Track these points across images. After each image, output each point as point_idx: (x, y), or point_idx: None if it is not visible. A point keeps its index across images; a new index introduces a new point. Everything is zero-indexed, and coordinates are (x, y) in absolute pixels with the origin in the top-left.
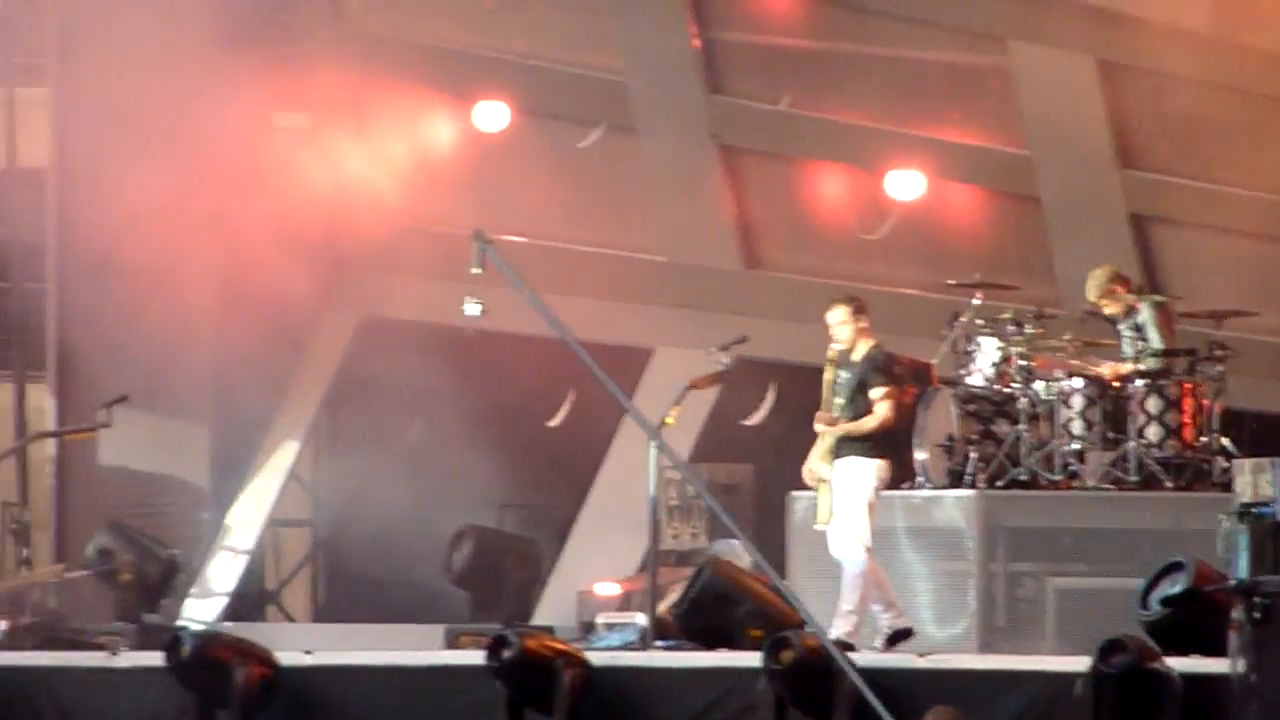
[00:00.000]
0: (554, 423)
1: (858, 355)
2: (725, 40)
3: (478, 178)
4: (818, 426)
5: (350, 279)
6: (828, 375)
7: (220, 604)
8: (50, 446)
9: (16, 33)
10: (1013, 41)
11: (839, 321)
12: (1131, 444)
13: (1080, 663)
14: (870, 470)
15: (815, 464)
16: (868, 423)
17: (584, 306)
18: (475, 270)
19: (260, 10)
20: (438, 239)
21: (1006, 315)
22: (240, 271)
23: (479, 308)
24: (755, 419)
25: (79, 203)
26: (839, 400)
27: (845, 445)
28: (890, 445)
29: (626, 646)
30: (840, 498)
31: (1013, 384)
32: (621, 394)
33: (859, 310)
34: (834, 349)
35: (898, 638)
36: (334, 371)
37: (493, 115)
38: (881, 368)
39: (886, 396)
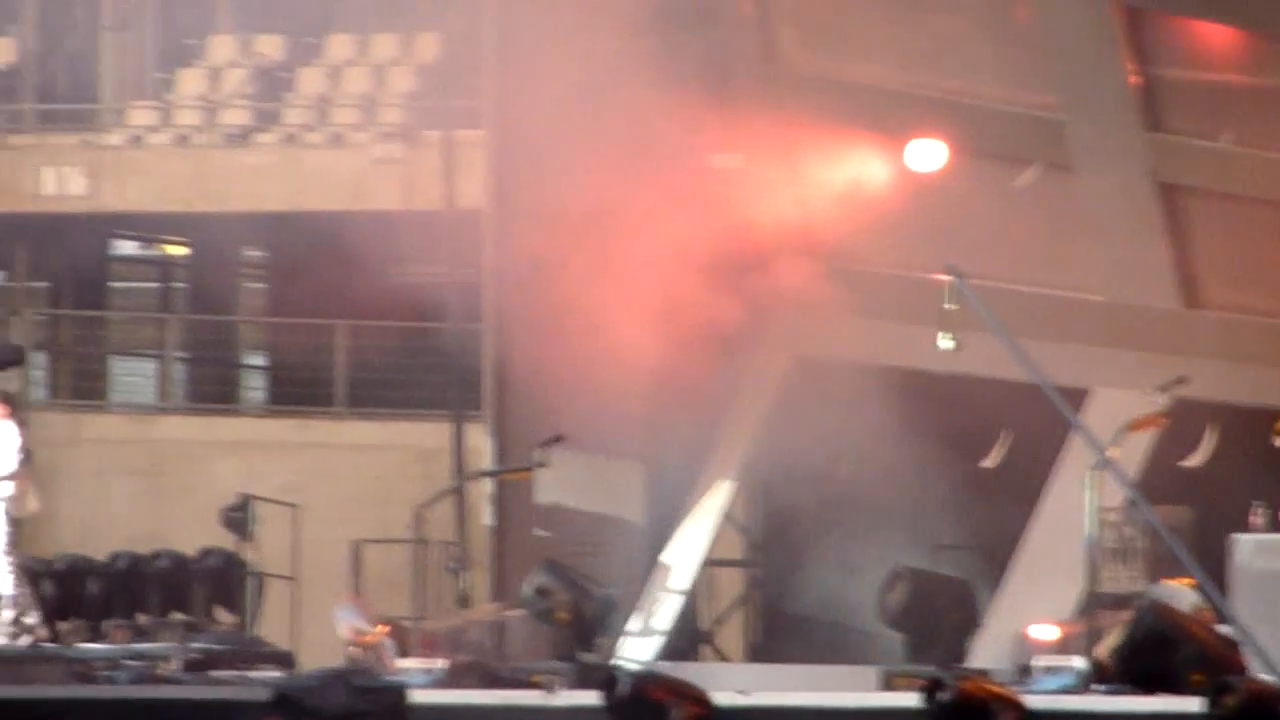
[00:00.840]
0: (988, 463)
1: None
2: (1164, 76)
3: (911, 217)
4: None
5: (783, 318)
6: None
7: (656, 643)
8: (487, 486)
9: (454, 76)
10: None
11: None
12: None
13: None
14: None
15: None
16: None
17: (1023, 347)
18: (949, 306)
19: (694, 52)
20: (870, 278)
21: None
22: (675, 311)
23: (952, 342)
24: (1194, 460)
25: (515, 244)
26: None
27: None
28: None
29: (1065, 690)
30: None
31: None
32: (1086, 429)
33: None
34: None
35: None
36: (767, 411)
37: (927, 154)
38: None
39: None
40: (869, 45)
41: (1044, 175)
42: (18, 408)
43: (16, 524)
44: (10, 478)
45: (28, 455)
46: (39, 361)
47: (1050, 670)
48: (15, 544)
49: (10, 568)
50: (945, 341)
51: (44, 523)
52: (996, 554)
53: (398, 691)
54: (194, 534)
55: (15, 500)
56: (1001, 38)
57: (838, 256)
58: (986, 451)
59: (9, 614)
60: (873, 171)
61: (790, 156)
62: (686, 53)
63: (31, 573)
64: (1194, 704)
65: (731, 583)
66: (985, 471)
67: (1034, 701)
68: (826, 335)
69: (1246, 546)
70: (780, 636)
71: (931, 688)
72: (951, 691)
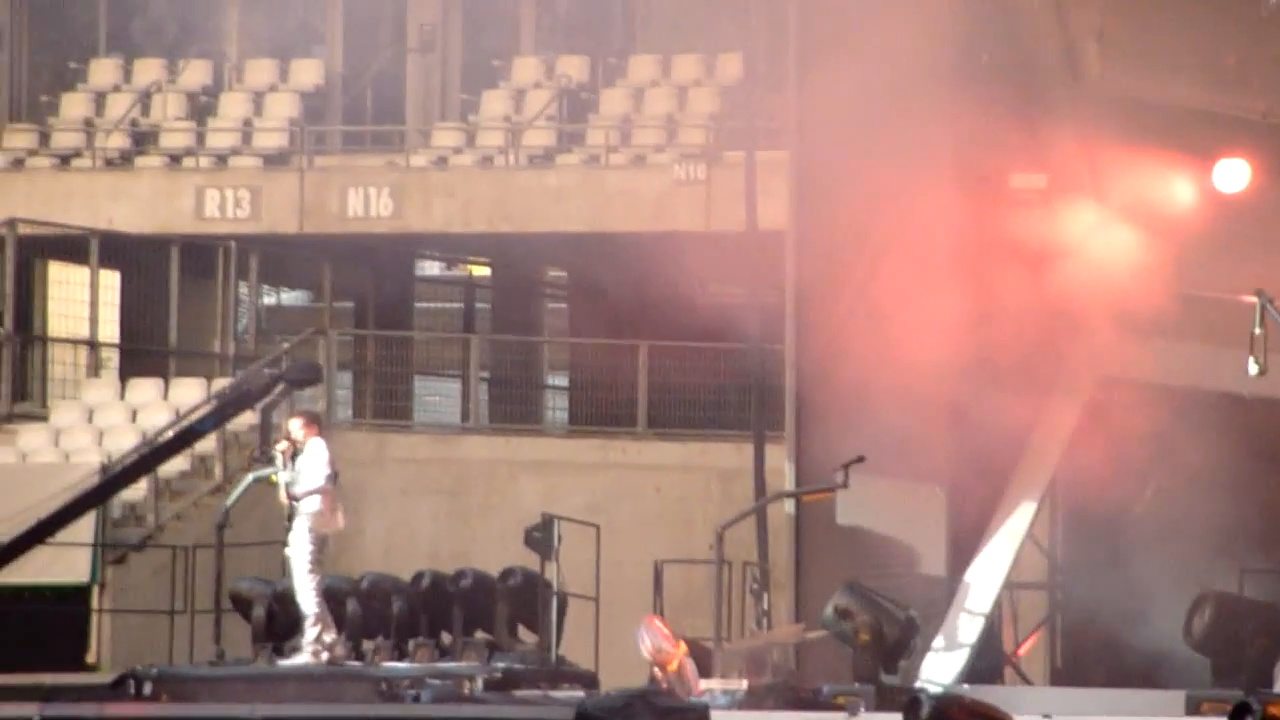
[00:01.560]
0: None
1: None
2: None
3: (1218, 238)
4: None
5: (1088, 339)
6: None
7: (958, 666)
8: (789, 506)
9: (756, 97)
10: None
11: None
12: None
13: None
14: None
15: None
16: None
17: None
18: (1257, 330)
19: (1000, 71)
20: (1178, 300)
21: None
22: (978, 332)
23: (1258, 367)
24: None
25: (817, 264)
26: None
27: None
28: None
29: None
30: None
31: None
32: None
33: None
34: None
35: None
36: (1069, 433)
37: (1234, 175)
38: None
39: None
40: (1175, 64)
41: None
42: (324, 427)
43: (321, 542)
44: (317, 493)
45: (335, 473)
46: (344, 381)
47: None
48: (319, 562)
49: (314, 586)
50: (1253, 366)
51: (350, 541)
52: None
53: (700, 712)
54: (497, 553)
55: (322, 517)
56: None
57: (1143, 277)
58: None
59: (312, 632)
60: (1179, 192)
61: (1094, 177)
62: (991, 72)
63: (337, 591)
64: None
65: (1035, 605)
66: None
67: None
68: (1132, 356)
69: None
70: (1083, 660)
71: (1238, 712)
72: (1259, 716)
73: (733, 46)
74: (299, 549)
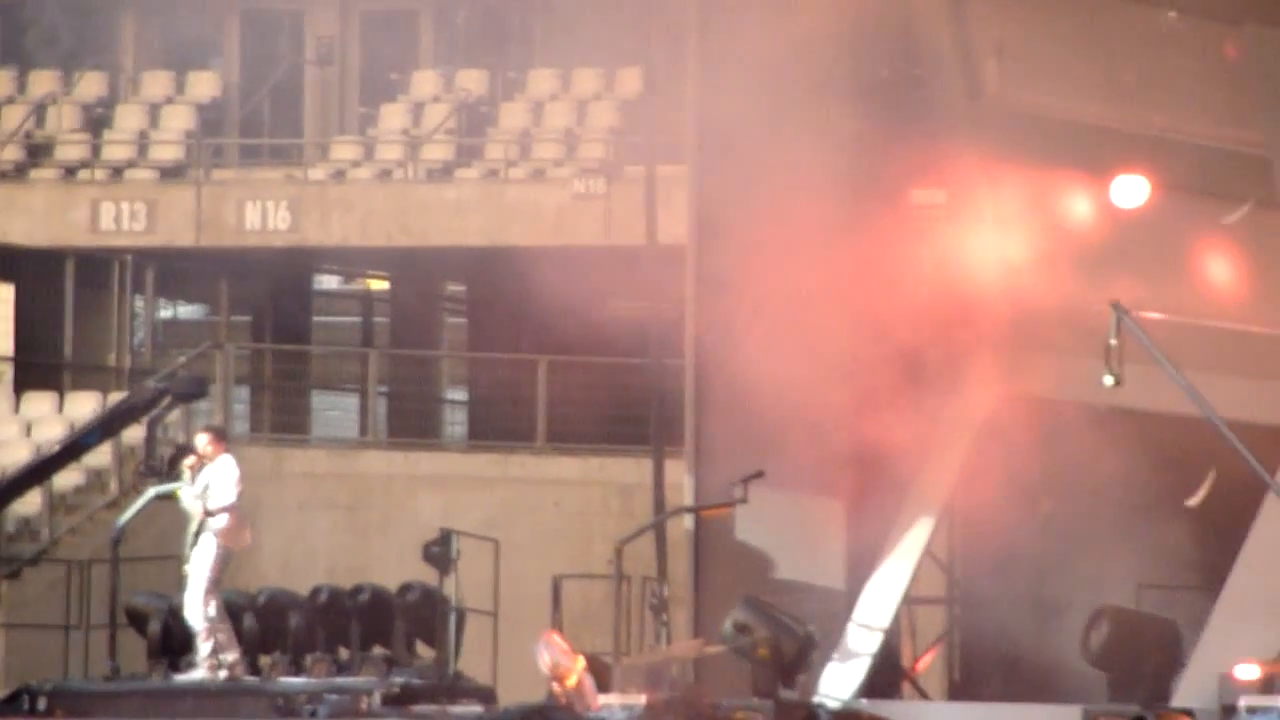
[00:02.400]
0: (1193, 502)
1: None
2: None
3: (1115, 254)
4: None
5: (987, 355)
6: None
7: (856, 680)
8: (688, 522)
9: (656, 111)
10: None
11: None
12: None
13: None
14: None
15: None
16: None
17: (1229, 384)
18: (1112, 341)
19: (900, 86)
20: (1074, 315)
21: None
22: (875, 347)
23: (1113, 379)
24: None
25: (717, 279)
26: None
27: None
28: None
29: None
30: None
31: None
32: (1263, 470)
33: None
34: None
35: None
36: (968, 446)
37: (1131, 190)
38: None
39: None
40: (1074, 81)
41: (1251, 212)
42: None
43: (227, 559)
44: (228, 510)
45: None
46: (241, 396)
47: (1255, 710)
48: (218, 580)
49: (212, 602)
50: (1108, 378)
51: (247, 556)
52: (1200, 594)
53: None
54: (395, 568)
55: (232, 533)
56: (1208, 73)
57: (1041, 294)
58: (1192, 490)
59: (205, 647)
60: (1077, 208)
61: (993, 192)
62: (891, 88)
63: (234, 606)
64: None
65: (933, 621)
66: (1190, 510)
67: None
68: (1029, 372)
69: None
70: (981, 674)
71: None
72: None
73: (632, 61)
74: (202, 565)
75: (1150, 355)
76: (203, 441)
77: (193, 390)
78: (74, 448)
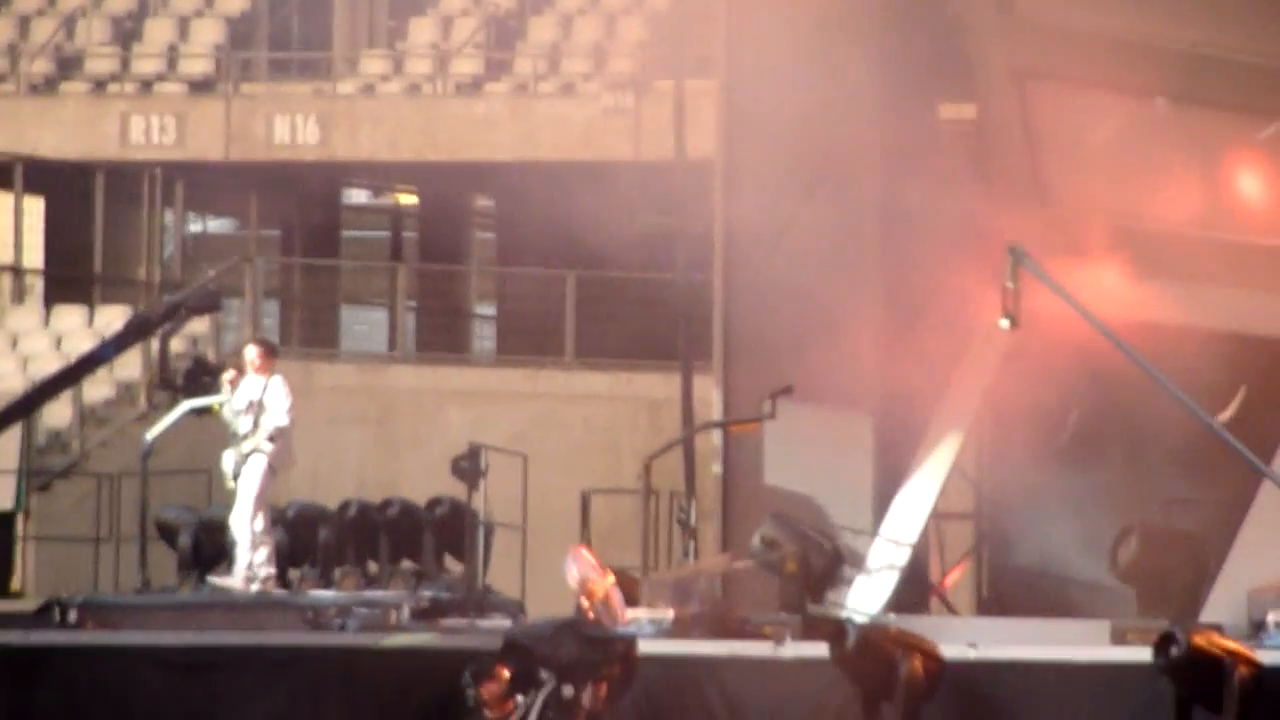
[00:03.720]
0: (1225, 416)
1: None
2: None
3: (1148, 169)
4: None
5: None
6: None
7: (884, 595)
8: (716, 437)
9: (685, 25)
10: None
11: None
12: None
13: None
14: None
15: None
16: None
17: (1255, 299)
18: (1009, 284)
19: (928, 2)
20: (1104, 230)
21: None
22: (905, 261)
23: (1008, 322)
24: None
25: (745, 194)
26: None
27: None
28: None
29: None
30: None
31: None
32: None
33: None
34: None
35: None
36: (998, 363)
37: (1164, 105)
38: None
39: None
40: None
41: None
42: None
43: (273, 476)
44: (283, 432)
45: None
46: (270, 310)
47: None
48: (264, 496)
49: (262, 518)
50: (1003, 321)
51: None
52: (1231, 509)
53: (627, 642)
54: (423, 482)
55: (281, 454)
56: None
57: (1070, 208)
58: (1223, 405)
59: (244, 558)
60: (1109, 123)
61: (1023, 107)
62: (918, 3)
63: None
64: None
65: (962, 536)
66: (1223, 425)
67: (1267, 657)
68: (1059, 287)
69: None
70: (1011, 591)
71: (1163, 643)
72: (1183, 646)
73: None
74: (251, 483)
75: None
76: (252, 354)
77: (207, 303)
78: (89, 360)
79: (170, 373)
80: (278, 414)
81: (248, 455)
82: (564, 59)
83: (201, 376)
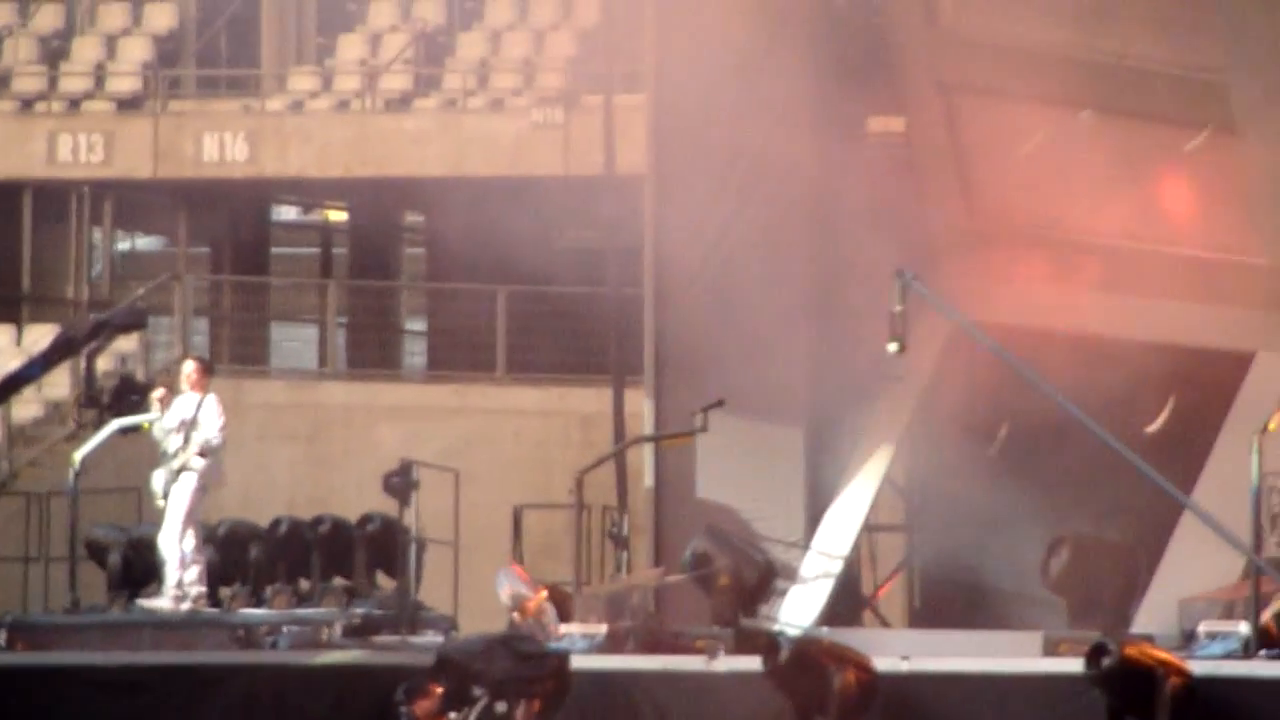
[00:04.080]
0: (1153, 428)
1: None
2: None
3: (1074, 181)
4: None
5: (943, 284)
6: None
7: (817, 608)
8: (648, 451)
9: (614, 40)
10: None
11: None
12: None
13: None
14: None
15: None
16: None
17: (1183, 310)
18: (896, 308)
19: (855, 12)
20: (1031, 242)
21: None
22: (833, 274)
23: (896, 346)
24: None
25: (675, 208)
26: None
27: None
28: None
29: (1229, 655)
30: None
31: None
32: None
33: None
34: None
35: None
36: (928, 375)
37: (1087, 118)
38: None
39: None
40: (1030, 7)
41: (1210, 138)
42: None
43: (203, 496)
44: (214, 450)
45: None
46: (200, 327)
47: (1215, 636)
48: (194, 514)
49: (190, 535)
50: (893, 345)
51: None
52: (1160, 519)
53: (560, 657)
54: (355, 499)
55: (212, 472)
56: None
57: (1001, 220)
58: (1152, 416)
59: (173, 577)
60: (1035, 135)
61: (950, 120)
62: (847, 15)
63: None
64: None
65: (893, 548)
66: (1150, 436)
67: (1199, 667)
68: (987, 300)
69: None
70: (941, 602)
71: (1095, 654)
72: (1115, 657)
73: None
74: (181, 501)
75: (1086, 281)
76: (189, 370)
77: (131, 321)
78: (15, 379)
79: (96, 391)
80: (211, 431)
81: (178, 473)
82: (493, 74)
83: (129, 395)
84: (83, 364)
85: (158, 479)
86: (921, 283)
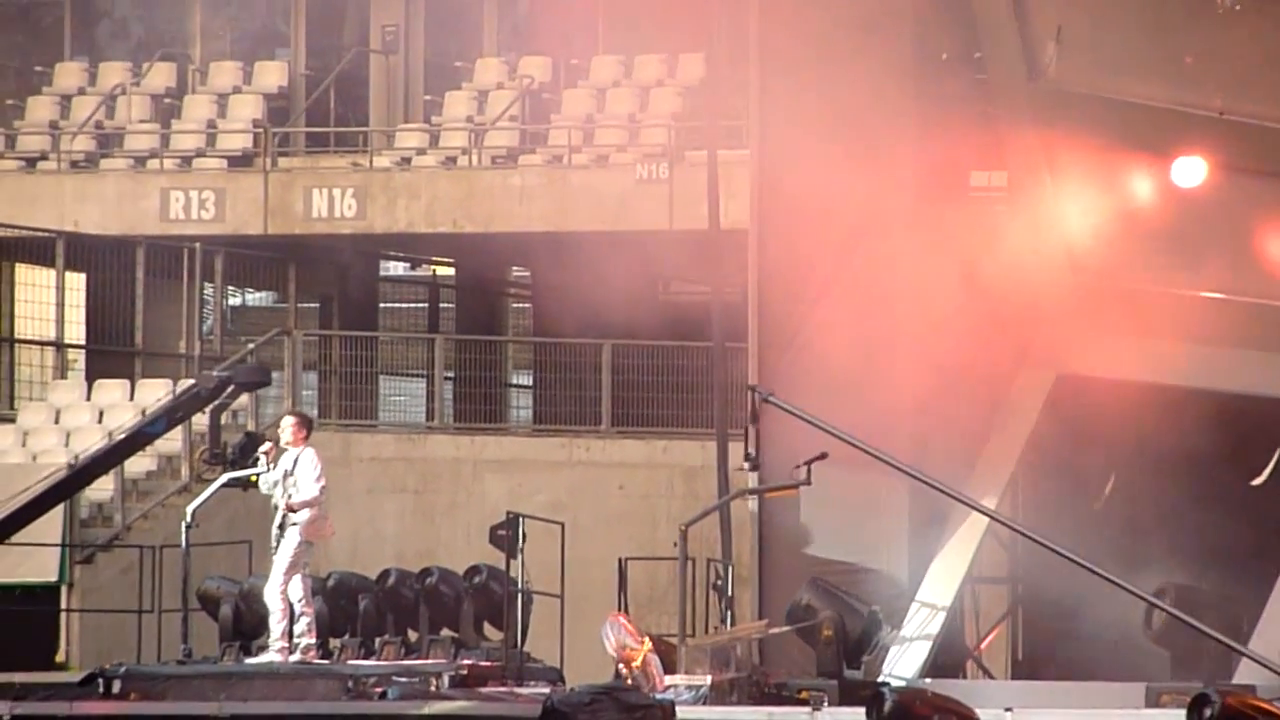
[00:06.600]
0: (1258, 481)
1: None
2: None
3: (1175, 234)
4: None
5: (1047, 337)
6: None
7: (921, 660)
8: (752, 504)
9: (718, 97)
10: None
11: None
12: None
13: None
14: None
15: None
16: None
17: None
18: (750, 425)
19: (959, 68)
20: (1136, 296)
21: None
22: (938, 329)
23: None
24: None
25: (779, 262)
26: None
27: None
28: None
29: None
30: None
31: None
32: None
33: None
34: None
35: None
36: (1031, 429)
37: (1190, 171)
38: None
39: None
40: (1133, 62)
41: None
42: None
43: (308, 549)
44: (311, 504)
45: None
46: (309, 382)
47: None
48: (302, 565)
49: (298, 586)
50: (745, 462)
51: (317, 540)
52: (1266, 570)
53: (665, 708)
54: (462, 551)
55: (315, 526)
56: (1267, 54)
57: (1102, 274)
58: (1258, 470)
59: (277, 629)
60: (1137, 188)
61: (1053, 173)
62: (950, 71)
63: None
64: None
65: (997, 600)
66: (1255, 489)
67: None
68: (1091, 353)
69: None
70: (1046, 654)
71: (1197, 704)
72: (1217, 708)
73: (694, 47)
74: (285, 555)
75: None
76: (288, 424)
77: (256, 379)
78: (139, 436)
79: (221, 446)
80: (307, 487)
81: (282, 527)
82: (598, 130)
83: (253, 450)
84: (207, 419)
85: (272, 533)
86: (777, 398)
